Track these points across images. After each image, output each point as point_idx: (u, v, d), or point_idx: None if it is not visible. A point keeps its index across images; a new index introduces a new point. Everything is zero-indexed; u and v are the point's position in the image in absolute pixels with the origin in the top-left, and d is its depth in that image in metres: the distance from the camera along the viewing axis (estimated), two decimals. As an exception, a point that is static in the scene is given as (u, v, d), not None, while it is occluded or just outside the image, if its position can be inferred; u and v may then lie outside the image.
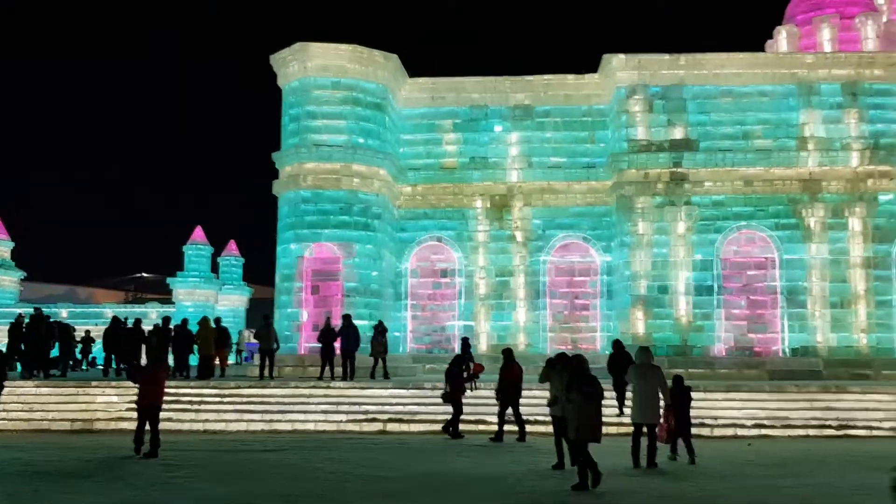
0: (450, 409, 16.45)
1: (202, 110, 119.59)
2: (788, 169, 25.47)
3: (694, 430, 16.14)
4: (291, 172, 25.78)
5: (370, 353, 21.94)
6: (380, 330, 22.09)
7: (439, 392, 17.13)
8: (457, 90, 27.90)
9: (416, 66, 28.68)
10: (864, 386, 19.47)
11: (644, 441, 12.27)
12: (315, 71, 25.79)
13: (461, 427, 16.28)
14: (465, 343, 22.17)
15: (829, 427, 16.64)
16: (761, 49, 33.40)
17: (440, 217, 27.58)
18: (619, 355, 16.64)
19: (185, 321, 22.61)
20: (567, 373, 10.78)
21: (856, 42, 30.41)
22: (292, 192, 25.70)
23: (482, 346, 26.53)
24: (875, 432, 16.27)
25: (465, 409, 16.55)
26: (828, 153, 25.38)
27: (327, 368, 21.26)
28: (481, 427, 16.78)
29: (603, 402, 10.55)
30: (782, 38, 32.13)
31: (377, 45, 26.32)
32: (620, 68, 26.08)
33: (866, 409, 17.07)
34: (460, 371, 16.72)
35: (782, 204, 25.48)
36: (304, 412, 18.03)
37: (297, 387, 19.58)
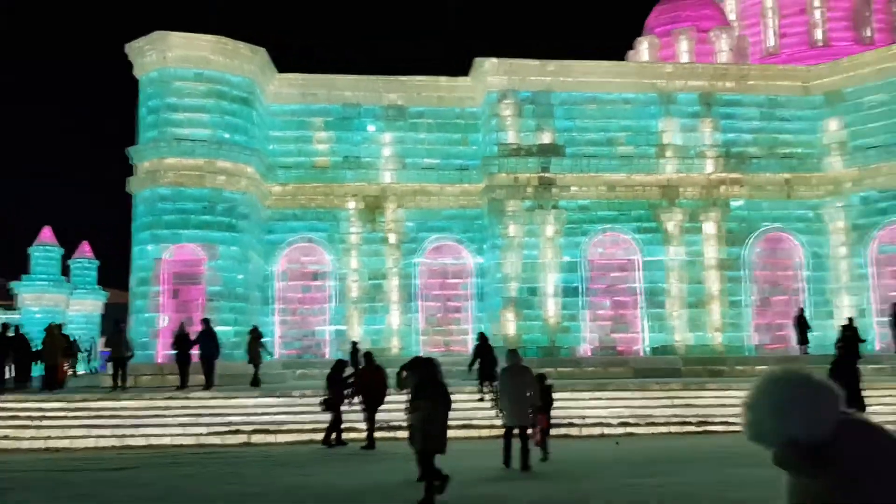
0: (323, 417, 15.80)
1: (51, 102, 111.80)
2: (649, 175, 26.50)
3: (563, 430, 16.37)
4: (149, 168, 24.24)
5: (248, 360, 20.81)
6: (256, 335, 21.05)
7: (308, 400, 16.43)
8: (329, 88, 27.20)
9: (287, 62, 27.79)
10: (720, 383, 20.43)
11: (516, 444, 12.16)
12: (176, 62, 24.38)
13: (343, 435, 15.70)
14: (354, 348, 21.57)
15: (690, 424, 17.28)
16: (623, 58, 34.70)
17: (311, 218, 26.77)
18: (484, 346, 17.01)
19: (16, 328, 20.69)
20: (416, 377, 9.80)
21: (710, 54, 32.15)
22: (150, 190, 24.17)
23: (353, 350, 25.92)
24: (731, 427, 17.03)
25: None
26: (684, 160, 26.59)
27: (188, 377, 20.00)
28: (353, 435, 16.24)
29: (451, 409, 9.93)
30: (643, 49, 33.51)
31: (246, 38, 25.22)
32: (491, 72, 26.27)
33: (723, 406, 17.87)
34: (342, 377, 16.07)
35: (643, 208, 26.47)
36: (161, 425, 16.84)
37: (152, 398, 18.29)
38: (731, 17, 36.50)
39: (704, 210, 26.68)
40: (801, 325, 25.05)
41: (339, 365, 16.37)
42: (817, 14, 34.97)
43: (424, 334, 26.63)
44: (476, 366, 18.46)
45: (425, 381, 9.21)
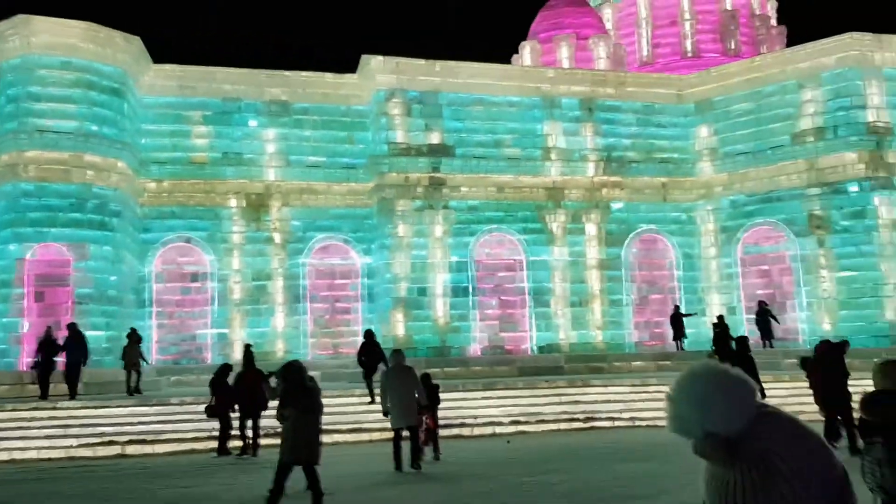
0: (206, 425, 15.02)
1: None
2: (535, 177, 26.96)
3: (455, 431, 16.31)
4: (9, 161, 22.42)
5: (123, 366, 19.48)
6: (134, 339, 19.77)
7: (190, 407, 15.59)
8: (208, 80, 26.07)
9: (164, 53, 26.42)
10: (605, 379, 20.99)
11: (406, 445, 11.96)
12: (40, 48, 22.68)
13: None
14: (248, 351, 20.55)
15: (578, 420, 17.63)
16: (510, 61, 35.26)
17: (190, 216, 25.54)
18: (370, 343, 17.24)
19: None
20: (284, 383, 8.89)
21: (590, 61, 33.16)
22: (10, 185, 22.35)
23: (236, 354, 24.93)
24: (616, 423, 17.52)
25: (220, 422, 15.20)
26: (568, 163, 27.24)
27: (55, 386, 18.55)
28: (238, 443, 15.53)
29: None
30: (527, 53, 34.16)
31: (120, 27, 23.76)
32: (379, 70, 25.99)
33: (608, 402, 18.36)
34: (226, 381, 15.27)
35: (530, 210, 26.91)
36: (24, 438, 15.54)
37: (14, 409, 16.85)
38: (609, 25, 37.84)
39: (587, 212, 27.42)
40: (677, 322, 26.17)
41: (223, 369, 15.62)
42: (687, 26, 36.81)
43: (313, 336, 25.97)
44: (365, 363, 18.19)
45: (292, 387, 8.57)
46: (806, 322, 26.19)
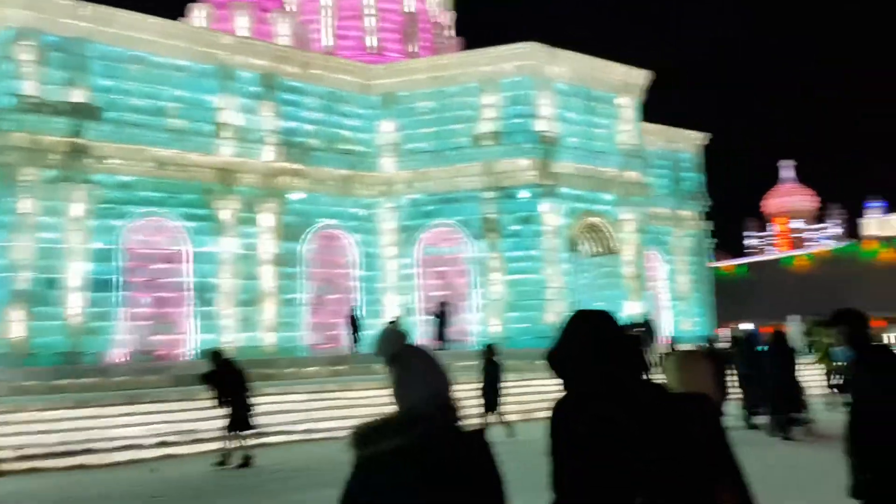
0: None
1: None
2: (203, 155, 23.51)
3: (78, 459, 12.56)
4: None
5: None
6: None
7: None
8: None
9: None
10: (280, 387, 18.25)
11: None
12: None
13: None
14: None
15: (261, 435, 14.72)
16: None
17: None
18: None
19: None
20: None
21: (271, 36, 30.41)
22: None
23: None
24: (292, 437, 14.99)
25: None
26: (244, 144, 24.25)
27: None
28: None
29: None
30: (198, 17, 30.35)
31: None
32: (9, 3, 20.60)
33: (282, 413, 15.75)
34: None
35: (196, 193, 23.35)
36: None
37: None
38: (293, 9, 35.47)
39: (262, 200, 24.59)
40: (353, 324, 24.52)
41: None
42: (371, 22, 35.84)
43: None
44: None
45: None
46: (478, 324, 26.20)
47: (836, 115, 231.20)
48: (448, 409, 2.58)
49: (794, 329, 26.36)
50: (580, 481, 2.46)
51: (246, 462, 12.47)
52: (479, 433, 2.63)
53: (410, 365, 2.71)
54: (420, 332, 25.64)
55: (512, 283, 26.20)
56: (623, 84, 29.21)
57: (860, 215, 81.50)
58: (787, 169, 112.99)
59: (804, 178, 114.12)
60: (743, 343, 16.55)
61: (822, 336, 19.33)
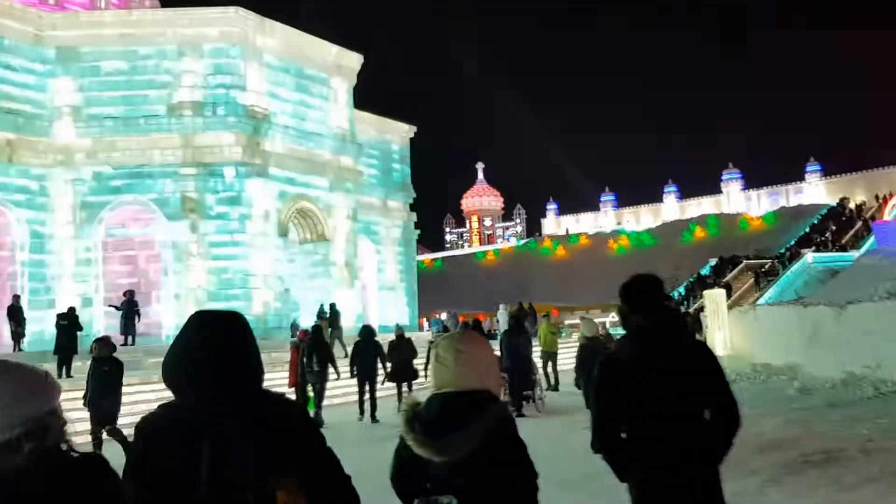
0: None
1: None
2: None
3: None
4: None
5: None
6: None
7: None
8: None
9: None
10: None
11: None
12: None
13: None
14: None
15: None
16: None
17: None
18: None
19: None
20: None
21: None
22: None
23: None
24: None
25: None
26: None
27: None
28: None
29: None
30: None
31: None
32: None
33: None
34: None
35: None
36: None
37: None
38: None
39: None
40: (16, 315, 20.40)
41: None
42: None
43: None
44: None
45: None
46: (173, 315, 23.36)
47: (518, 120, 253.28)
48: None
49: (501, 315, 27.43)
50: None
51: None
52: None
53: None
54: (101, 327, 22.15)
55: (214, 269, 23.84)
56: (336, 66, 28.15)
57: (543, 215, 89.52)
58: (480, 170, 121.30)
59: (491, 179, 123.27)
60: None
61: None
